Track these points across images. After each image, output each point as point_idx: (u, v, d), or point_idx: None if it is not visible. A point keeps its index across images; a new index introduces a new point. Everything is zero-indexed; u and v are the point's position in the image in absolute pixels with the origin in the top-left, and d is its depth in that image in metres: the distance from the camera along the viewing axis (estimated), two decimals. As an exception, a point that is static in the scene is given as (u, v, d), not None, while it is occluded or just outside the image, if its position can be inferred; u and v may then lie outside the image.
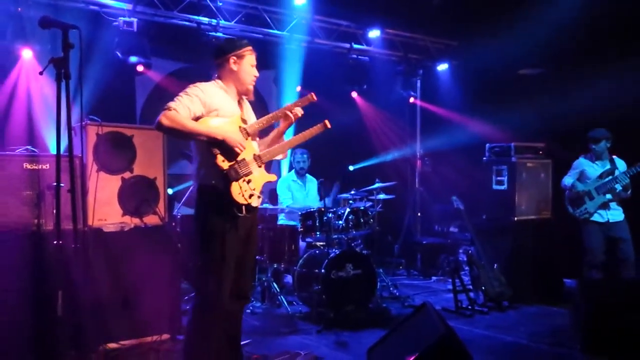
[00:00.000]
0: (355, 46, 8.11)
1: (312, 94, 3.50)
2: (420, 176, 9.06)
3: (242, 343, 3.71)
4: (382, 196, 6.56)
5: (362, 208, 5.96)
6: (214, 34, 6.78)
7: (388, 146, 8.86)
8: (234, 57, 3.41)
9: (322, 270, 5.26)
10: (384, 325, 5.08)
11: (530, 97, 7.19)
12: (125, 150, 4.51)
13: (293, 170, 6.86)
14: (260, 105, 6.63)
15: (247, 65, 3.44)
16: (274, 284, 5.89)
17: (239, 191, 3.25)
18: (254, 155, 3.41)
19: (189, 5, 6.70)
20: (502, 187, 6.33)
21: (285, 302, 5.65)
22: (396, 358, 3.44)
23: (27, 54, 5.91)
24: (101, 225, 4.36)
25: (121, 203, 4.48)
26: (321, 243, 5.94)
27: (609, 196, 5.75)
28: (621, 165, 5.82)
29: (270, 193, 7.27)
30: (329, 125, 3.61)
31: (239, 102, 3.51)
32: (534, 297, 5.96)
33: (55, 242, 2.91)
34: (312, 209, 5.87)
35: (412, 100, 9.11)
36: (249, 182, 3.32)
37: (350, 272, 5.38)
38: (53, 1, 5.99)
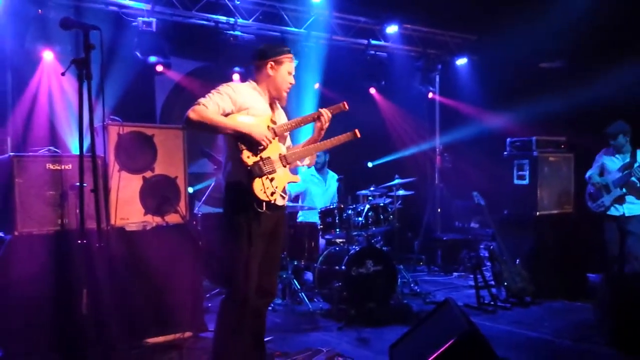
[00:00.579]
0: (373, 42, 8.08)
1: (345, 102, 3.53)
2: (439, 172, 9.00)
3: (264, 340, 3.72)
4: (401, 192, 6.54)
5: (382, 204, 5.94)
6: (231, 32, 6.81)
7: (407, 142, 8.82)
8: (272, 62, 3.44)
9: (343, 267, 5.25)
10: (405, 321, 5.06)
11: (552, 91, 7.09)
12: (146, 150, 4.55)
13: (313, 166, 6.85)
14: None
15: (284, 71, 3.47)
16: (295, 281, 5.89)
17: (261, 187, 3.27)
18: (280, 155, 3.44)
19: (206, 4, 6.73)
20: (524, 182, 6.27)
21: (306, 299, 5.66)
22: (419, 354, 3.42)
23: (48, 55, 5.98)
24: (123, 225, 4.40)
25: (143, 202, 4.51)
26: (341, 240, 5.94)
27: (625, 190, 5.67)
28: None
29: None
30: (358, 135, 3.65)
31: (272, 106, 3.54)
32: (556, 292, 5.89)
33: (79, 241, 2.95)
34: (331, 206, 5.87)
35: (430, 95, 9.05)
36: (272, 180, 3.33)
37: (370, 269, 5.37)
38: (73, 2, 6.06)
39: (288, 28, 7.41)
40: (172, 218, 4.64)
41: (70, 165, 4.22)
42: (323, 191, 6.77)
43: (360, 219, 5.76)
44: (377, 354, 4.28)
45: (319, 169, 6.83)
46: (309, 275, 6.33)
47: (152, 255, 4.43)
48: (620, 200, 5.71)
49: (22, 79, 5.90)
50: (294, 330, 4.97)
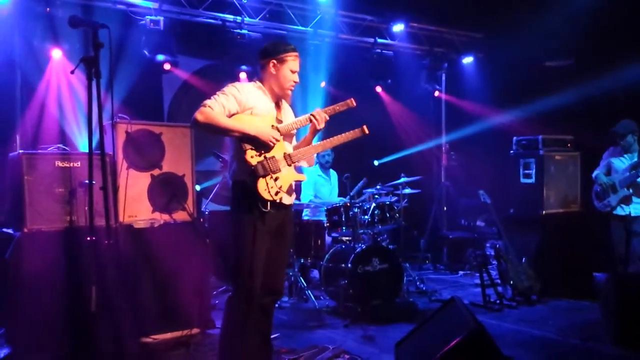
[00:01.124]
0: (380, 41, 8.08)
1: (352, 99, 3.53)
2: (446, 170, 8.99)
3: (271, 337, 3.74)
4: (407, 191, 6.54)
5: (388, 203, 5.95)
6: (238, 31, 6.83)
7: (413, 140, 8.81)
8: (274, 61, 3.44)
9: (349, 265, 5.27)
10: (411, 319, 5.08)
11: (558, 89, 7.08)
12: (154, 148, 4.58)
13: (317, 165, 6.87)
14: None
15: (287, 70, 3.46)
16: (301, 278, 5.92)
17: (265, 187, 3.29)
18: (285, 154, 3.44)
19: (213, 3, 6.75)
20: (530, 181, 6.26)
21: (313, 297, 5.68)
22: (425, 352, 3.44)
23: (56, 53, 6.01)
24: (132, 222, 4.44)
25: (151, 200, 4.55)
26: (347, 238, 5.95)
27: (631, 190, 5.65)
28: None
29: (296, 189, 7.29)
30: (367, 131, 3.64)
31: (277, 105, 3.55)
32: (562, 291, 5.89)
33: (87, 238, 2.98)
34: (337, 204, 5.89)
35: (437, 94, 9.04)
36: (276, 179, 3.35)
37: (376, 267, 5.39)
38: (81, 1, 6.09)
39: (294, 26, 7.42)
40: (180, 215, 4.67)
41: (79, 163, 4.25)
42: (329, 190, 6.79)
43: (366, 217, 5.78)
44: (382, 352, 4.29)
45: (327, 167, 6.85)
46: (315, 273, 6.36)
47: (160, 253, 4.46)
48: (626, 200, 5.69)
49: (31, 77, 5.93)
50: (300, 328, 5.00)
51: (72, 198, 4.20)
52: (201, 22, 6.85)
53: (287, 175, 3.43)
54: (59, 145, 4.54)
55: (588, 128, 6.57)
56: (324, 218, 6.04)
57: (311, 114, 3.50)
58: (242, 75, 6.91)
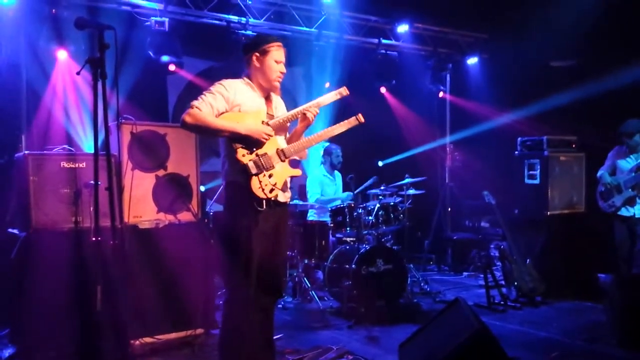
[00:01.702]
0: (384, 41, 8.08)
1: (345, 87, 3.46)
2: (450, 171, 8.99)
3: (274, 337, 3.73)
4: (412, 191, 6.55)
5: (392, 204, 5.96)
6: (243, 32, 6.85)
7: (417, 141, 8.80)
8: (257, 54, 3.39)
9: (353, 266, 5.27)
10: (415, 320, 5.08)
11: (563, 90, 7.07)
12: (159, 149, 4.59)
13: (322, 166, 6.88)
14: (291, 102, 6.71)
15: (271, 61, 3.39)
16: (305, 279, 5.92)
17: (259, 185, 3.23)
18: (277, 149, 3.37)
19: (218, 4, 6.77)
20: (535, 181, 6.26)
21: (317, 297, 5.68)
22: (429, 353, 3.44)
23: (62, 54, 6.03)
24: (136, 222, 4.45)
25: (156, 200, 4.56)
26: (351, 239, 5.96)
27: (636, 191, 5.63)
28: None
29: (300, 189, 7.30)
30: (362, 120, 3.52)
31: (268, 99, 3.48)
32: (567, 292, 5.88)
33: (93, 238, 2.99)
34: (342, 205, 5.89)
35: (441, 94, 9.04)
36: (270, 176, 3.28)
37: (380, 268, 5.39)
38: (86, 2, 6.12)
39: (299, 27, 7.43)
40: (185, 216, 4.68)
41: (84, 164, 4.27)
42: (334, 190, 6.80)
43: (370, 217, 5.79)
44: (386, 353, 4.30)
45: (339, 169, 6.84)
46: (319, 274, 6.36)
47: (165, 253, 4.46)
48: (631, 201, 5.68)
49: (37, 79, 5.95)
50: (304, 328, 5.00)
51: (78, 199, 4.21)
52: (206, 23, 6.87)
53: (281, 172, 3.36)
54: (64, 146, 4.56)
55: (593, 129, 6.55)
56: (328, 219, 6.05)
57: (304, 109, 3.44)
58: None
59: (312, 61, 7.73)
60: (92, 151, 2.93)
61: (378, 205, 5.86)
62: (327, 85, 8.07)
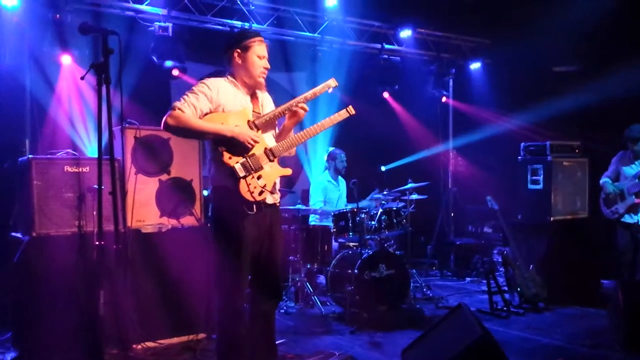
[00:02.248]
0: (387, 46, 8.11)
1: (333, 79, 3.37)
2: (453, 176, 8.99)
3: (276, 342, 3.72)
4: (414, 196, 6.54)
5: (395, 208, 5.95)
6: (246, 37, 6.85)
7: (420, 146, 8.81)
8: (239, 50, 3.28)
9: (355, 271, 5.26)
10: (417, 326, 5.06)
11: (566, 95, 7.07)
12: (163, 153, 4.60)
13: (327, 171, 6.87)
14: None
15: (253, 57, 3.28)
16: (307, 284, 5.92)
17: (247, 189, 3.13)
18: (266, 149, 3.26)
19: (222, 9, 6.80)
20: (538, 187, 6.24)
21: (319, 303, 5.68)
22: (431, 359, 3.43)
23: (66, 59, 6.05)
24: (140, 227, 4.46)
25: (159, 204, 4.57)
26: (354, 243, 5.95)
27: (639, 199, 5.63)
28: None
29: (303, 194, 7.31)
30: (352, 111, 3.40)
31: (253, 96, 3.38)
32: (570, 298, 5.85)
33: (96, 242, 2.99)
34: (345, 210, 5.89)
35: (444, 99, 9.04)
36: (259, 178, 3.18)
37: (383, 273, 5.38)
38: (90, 7, 6.14)
39: (302, 33, 7.45)
40: (188, 220, 4.69)
41: (87, 168, 4.29)
42: (337, 196, 6.80)
43: (373, 222, 5.78)
44: (389, 358, 4.29)
45: (343, 175, 6.84)
46: (321, 279, 6.35)
47: (168, 257, 4.47)
48: (634, 208, 5.65)
49: (40, 83, 5.98)
50: (306, 333, 4.99)
51: (81, 203, 4.22)
52: (209, 28, 6.89)
53: (270, 173, 3.26)
54: (68, 150, 4.58)
55: (596, 134, 6.56)
56: (331, 223, 6.04)
57: (294, 105, 3.33)
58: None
59: (315, 66, 7.75)
60: (96, 155, 2.94)
61: (381, 210, 5.86)
62: (330, 90, 8.08)
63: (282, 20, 7.31)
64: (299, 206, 6.15)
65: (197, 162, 4.77)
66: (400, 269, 5.48)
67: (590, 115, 6.74)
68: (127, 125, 4.47)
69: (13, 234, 4.45)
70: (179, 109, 3.12)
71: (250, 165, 3.16)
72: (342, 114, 3.41)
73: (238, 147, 3.14)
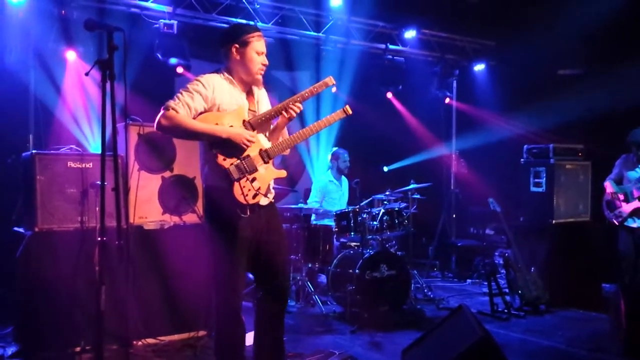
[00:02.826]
0: (391, 47, 8.10)
1: (331, 77, 3.29)
2: (455, 177, 8.99)
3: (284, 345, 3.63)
4: (417, 197, 6.54)
5: (397, 209, 5.95)
6: (251, 36, 6.86)
7: (423, 147, 8.81)
8: (237, 46, 3.15)
9: (357, 271, 5.27)
10: (418, 326, 5.07)
11: (570, 98, 7.06)
12: (166, 150, 4.61)
13: (329, 171, 6.88)
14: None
15: (252, 53, 3.16)
16: (308, 283, 5.92)
17: (241, 192, 3.05)
18: (261, 150, 3.17)
19: (227, 7, 6.81)
20: (540, 189, 6.23)
21: (320, 302, 5.68)
22: (431, 360, 3.44)
23: (71, 55, 6.06)
24: (142, 223, 4.47)
25: (161, 201, 4.58)
26: (355, 243, 5.95)
27: None
28: None
29: (306, 193, 7.31)
30: (349, 111, 3.30)
31: (249, 93, 3.28)
32: (571, 301, 5.85)
33: (98, 238, 3.00)
34: (346, 210, 5.89)
35: (447, 100, 9.04)
36: (253, 180, 3.11)
37: (384, 273, 5.38)
38: (95, 4, 6.15)
39: (307, 32, 7.45)
40: (190, 218, 4.69)
41: (91, 164, 4.29)
42: (340, 196, 6.80)
43: (375, 222, 5.78)
44: (389, 358, 4.29)
45: (346, 174, 6.85)
46: (322, 278, 6.35)
47: (169, 254, 4.48)
48: (637, 212, 5.64)
49: (45, 79, 5.99)
50: (307, 332, 5.00)
51: (84, 199, 4.23)
52: (214, 26, 6.90)
53: (265, 175, 3.17)
54: (71, 146, 4.58)
55: (599, 137, 6.54)
56: (332, 223, 6.05)
57: (287, 105, 3.22)
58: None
59: (319, 66, 7.75)
60: (99, 152, 2.94)
61: (383, 210, 5.86)
62: (334, 90, 8.09)
63: (287, 19, 7.31)
64: (301, 205, 6.16)
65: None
66: (401, 270, 5.48)
67: (594, 118, 6.72)
68: (130, 122, 4.48)
69: (16, 228, 4.47)
70: (173, 108, 3.02)
71: (244, 167, 3.09)
72: (339, 114, 3.33)
73: (233, 148, 3.06)
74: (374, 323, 5.09)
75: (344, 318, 5.39)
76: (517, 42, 7.31)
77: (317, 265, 6.05)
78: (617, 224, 5.76)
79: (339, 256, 5.76)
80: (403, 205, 6.24)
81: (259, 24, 6.97)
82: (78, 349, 4.12)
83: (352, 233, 5.80)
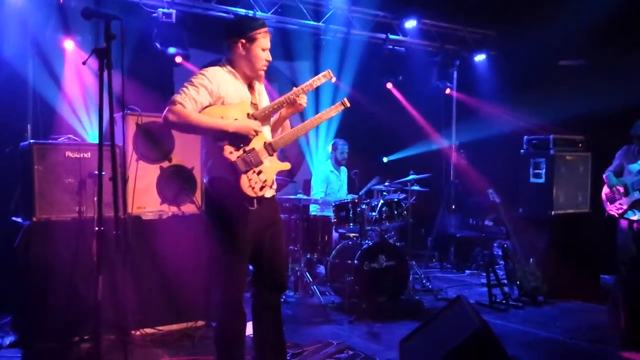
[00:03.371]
0: (392, 37, 8.05)
1: (329, 70, 3.29)
2: (455, 168, 8.98)
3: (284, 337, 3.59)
4: (416, 188, 6.53)
5: (396, 200, 5.94)
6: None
7: (423, 138, 8.79)
8: (244, 41, 3.12)
9: (355, 261, 5.27)
10: (416, 317, 5.07)
11: (571, 89, 7.03)
12: (164, 140, 4.60)
13: (329, 161, 6.87)
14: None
15: (258, 49, 3.14)
16: (307, 273, 5.92)
17: (248, 184, 3.05)
18: (265, 143, 3.18)
19: (226, -4, 6.77)
20: (540, 180, 6.23)
21: (318, 292, 5.68)
22: (429, 350, 3.44)
23: (68, 44, 6.03)
24: (140, 213, 4.46)
25: (159, 192, 4.57)
26: (354, 234, 5.95)
27: None
28: None
29: (305, 184, 7.30)
30: (347, 104, 3.31)
31: (251, 86, 3.27)
32: (570, 292, 5.85)
33: (96, 228, 2.99)
34: (346, 200, 5.89)
35: (448, 91, 9.00)
36: (259, 173, 3.11)
37: (383, 264, 5.39)
38: (93, -7, 6.11)
39: (306, 21, 7.41)
40: (188, 208, 4.69)
41: (89, 154, 4.28)
42: (339, 186, 6.80)
43: (374, 213, 5.78)
44: (387, 349, 4.30)
45: (344, 164, 6.84)
46: (321, 269, 6.36)
47: (167, 244, 4.48)
48: (637, 204, 5.63)
49: (43, 68, 5.96)
50: (305, 323, 5.01)
51: (82, 188, 4.22)
52: (213, 15, 6.85)
53: (270, 167, 3.18)
54: (69, 135, 4.57)
55: (600, 129, 6.52)
56: (331, 214, 6.04)
57: (291, 97, 3.22)
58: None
59: (319, 56, 7.71)
60: (97, 141, 2.93)
61: (382, 201, 5.85)
62: (334, 80, 8.06)
63: (286, 8, 7.26)
64: (300, 196, 6.15)
65: (199, 150, 4.74)
66: (400, 261, 5.49)
67: (594, 109, 6.69)
68: (128, 111, 4.46)
69: (14, 218, 4.46)
70: (180, 103, 2.99)
71: (250, 159, 3.08)
72: (338, 107, 3.34)
73: (239, 141, 3.06)
74: (372, 313, 5.10)
75: (342, 308, 5.40)
76: (518, 32, 7.28)
77: (315, 256, 6.06)
78: (616, 215, 5.75)
79: (337, 247, 5.77)
80: (402, 196, 6.23)
81: (258, 13, 6.93)
82: (76, 338, 4.12)
83: (351, 224, 5.80)
